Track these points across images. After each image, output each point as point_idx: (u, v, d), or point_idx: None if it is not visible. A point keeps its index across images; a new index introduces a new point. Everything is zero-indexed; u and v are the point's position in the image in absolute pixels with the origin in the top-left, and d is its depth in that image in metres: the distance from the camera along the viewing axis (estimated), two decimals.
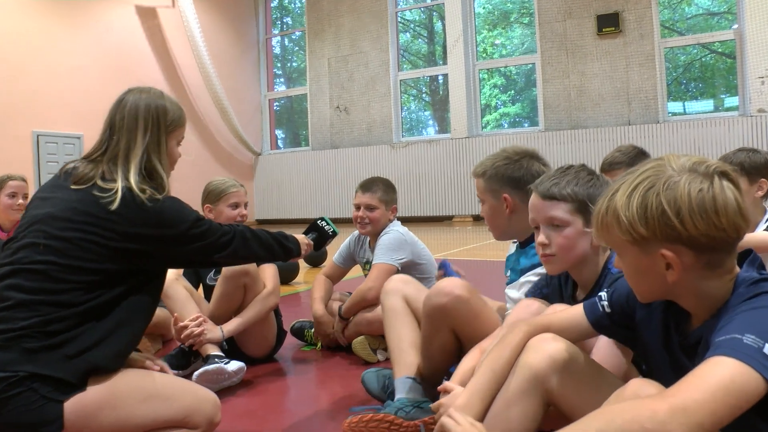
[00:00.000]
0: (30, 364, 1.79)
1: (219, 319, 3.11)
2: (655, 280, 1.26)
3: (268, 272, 3.29)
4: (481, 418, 1.49)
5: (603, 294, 1.56)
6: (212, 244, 2.15)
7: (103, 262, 1.94)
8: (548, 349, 1.46)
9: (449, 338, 2.21)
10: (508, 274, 2.41)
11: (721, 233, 1.18)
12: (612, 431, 1.05)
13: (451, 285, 2.18)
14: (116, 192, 1.98)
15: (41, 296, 1.87)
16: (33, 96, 11.38)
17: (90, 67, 12.10)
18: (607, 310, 1.52)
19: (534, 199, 1.87)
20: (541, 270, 2.16)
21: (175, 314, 2.97)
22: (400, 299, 2.46)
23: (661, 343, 1.40)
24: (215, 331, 3.00)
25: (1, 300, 1.87)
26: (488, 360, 1.57)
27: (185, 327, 2.90)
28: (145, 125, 2.12)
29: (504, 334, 1.65)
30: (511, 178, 2.24)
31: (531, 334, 1.54)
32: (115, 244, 1.95)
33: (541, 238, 1.83)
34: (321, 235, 2.76)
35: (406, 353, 2.33)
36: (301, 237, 2.58)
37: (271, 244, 2.37)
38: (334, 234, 2.78)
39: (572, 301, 1.89)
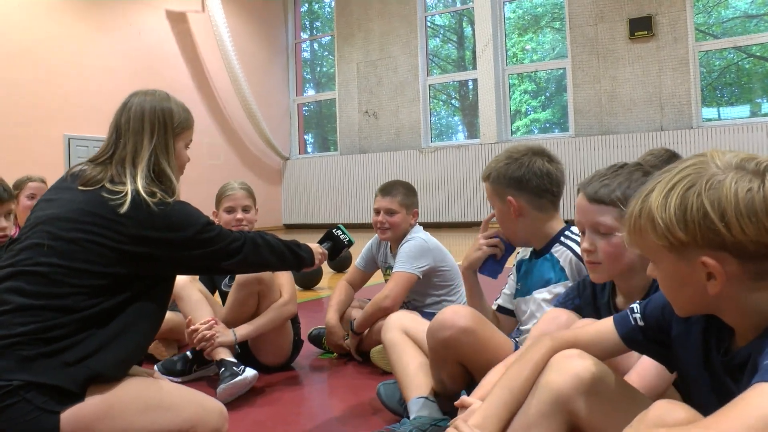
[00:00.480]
0: (25, 372, 1.73)
1: (231, 326, 3.03)
2: (695, 291, 1.11)
3: (284, 279, 3.20)
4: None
5: (636, 306, 1.40)
6: (221, 250, 2.09)
7: (110, 266, 1.88)
8: (573, 367, 1.32)
9: (458, 369, 2.08)
10: (517, 282, 2.29)
11: None
12: None
13: (454, 316, 2.02)
14: (125, 195, 1.94)
15: (42, 301, 1.80)
16: (65, 99, 11.50)
17: (120, 70, 12.19)
18: (640, 323, 1.37)
19: (580, 200, 1.72)
20: (555, 288, 2.04)
21: (189, 317, 2.92)
22: (399, 332, 2.39)
23: (701, 362, 1.24)
24: (227, 335, 2.93)
25: (1, 304, 1.81)
26: (506, 378, 1.43)
27: (196, 330, 2.85)
28: (151, 128, 2.09)
29: (525, 349, 1.51)
30: (513, 179, 2.10)
31: (555, 350, 1.40)
32: (123, 246, 1.90)
33: (585, 244, 1.70)
34: (336, 245, 2.69)
35: (414, 376, 2.22)
36: (315, 246, 2.51)
37: (283, 252, 2.30)
38: (350, 243, 2.70)
39: (609, 309, 1.75)
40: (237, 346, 2.99)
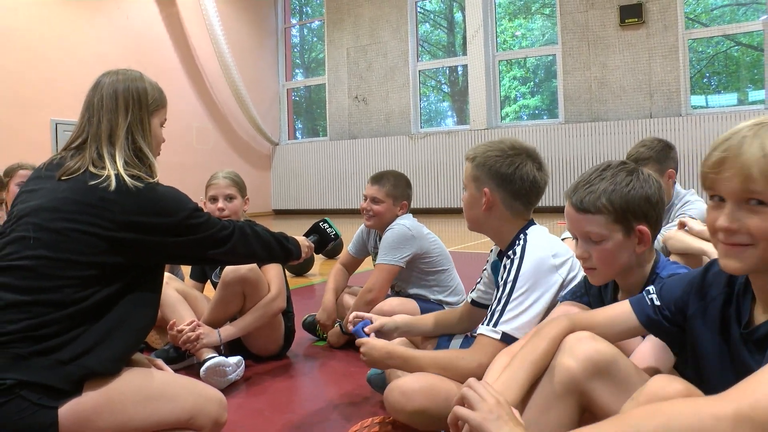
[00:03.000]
0: (17, 371, 1.70)
1: (215, 324, 3.04)
2: None
3: (273, 274, 3.17)
4: (517, 407, 1.38)
5: (650, 288, 1.46)
6: (209, 238, 2.05)
7: (98, 255, 1.84)
8: (586, 350, 1.36)
9: None
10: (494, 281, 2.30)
11: None
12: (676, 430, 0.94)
13: (402, 399, 1.92)
14: (109, 179, 1.89)
15: (32, 296, 1.77)
16: (51, 84, 11.39)
17: (108, 55, 12.08)
18: (657, 302, 1.42)
19: (568, 209, 1.72)
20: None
21: (173, 320, 2.90)
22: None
23: (719, 337, 1.29)
24: (212, 336, 2.94)
25: None
26: (525, 351, 1.47)
27: (181, 331, 2.84)
28: (126, 105, 2.04)
29: (541, 325, 1.54)
30: (498, 173, 2.06)
31: (570, 330, 1.45)
32: (110, 233, 1.85)
33: (579, 251, 1.71)
34: (322, 238, 2.70)
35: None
36: (302, 239, 2.50)
37: (271, 244, 2.29)
38: (336, 237, 2.71)
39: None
40: (222, 347, 3.00)
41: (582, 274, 1.90)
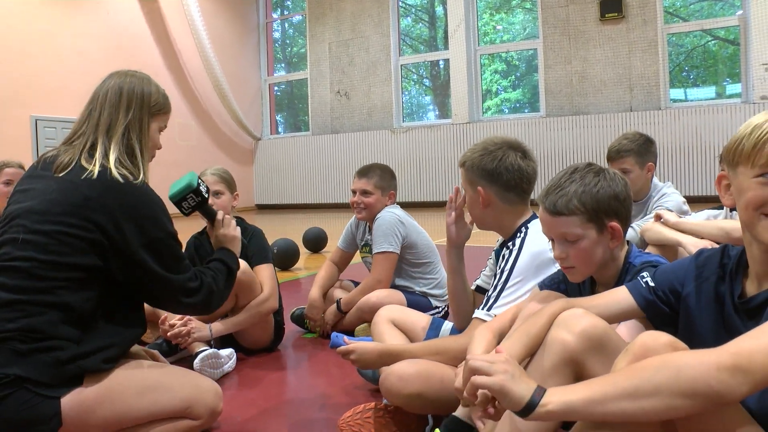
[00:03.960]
0: (18, 366, 1.75)
1: (206, 320, 3.06)
2: None
3: (265, 274, 3.21)
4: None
5: (645, 273, 1.57)
6: (177, 282, 2.03)
7: (78, 256, 1.87)
8: (581, 325, 1.44)
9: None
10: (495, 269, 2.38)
11: None
12: (678, 386, 1.09)
13: (399, 383, 2.01)
14: (94, 172, 1.92)
15: (26, 295, 1.81)
16: (32, 80, 11.30)
17: (89, 51, 12.02)
18: (651, 284, 1.53)
19: (542, 213, 1.82)
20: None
21: (164, 315, 2.93)
22: (388, 324, 2.51)
23: (713, 312, 1.41)
24: (204, 330, 2.98)
25: None
26: (525, 326, 1.56)
27: (173, 326, 2.88)
28: (128, 103, 2.07)
29: (542, 308, 1.61)
30: (484, 171, 2.15)
31: (566, 309, 1.53)
32: (89, 235, 1.88)
33: (556, 252, 1.79)
34: (205, 208, 2.40)
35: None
36: (229, 234, 2.41)
37: (227, 276, 2.28)
38: (208, 191, 2.42)
39: None
40: (212, 341, 3.04)
41: None
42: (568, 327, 1.45)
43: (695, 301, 1.45)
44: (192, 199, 2.34)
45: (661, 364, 1.14)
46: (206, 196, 2.37)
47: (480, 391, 1.22)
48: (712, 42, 12.76)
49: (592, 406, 1.15)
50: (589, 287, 1.88)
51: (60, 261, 1.85)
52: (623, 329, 1.64)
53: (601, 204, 1.73)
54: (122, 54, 12.24)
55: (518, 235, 2.17)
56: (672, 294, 1.51)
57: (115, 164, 1.96)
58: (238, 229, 2.48)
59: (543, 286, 1.94)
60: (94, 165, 1.95)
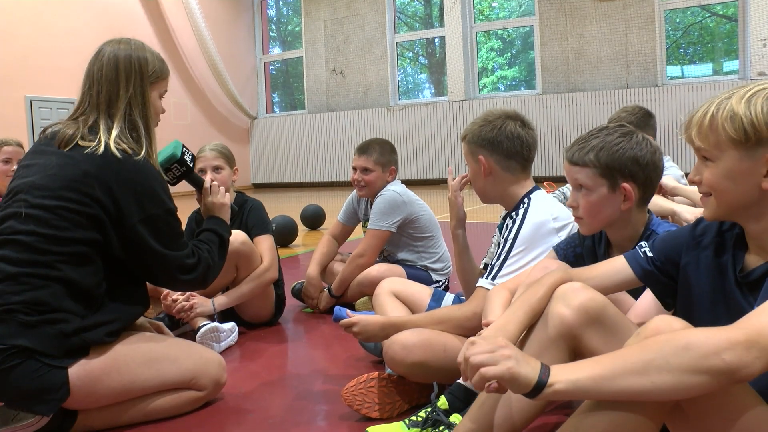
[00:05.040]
0: (25, 337, 1.78)
1: (208, 294, 3.08)
2: (748, 187, 1.27)
3: (265, 246, 3.21)
4: (515, 339, 1.49)
5: (643, 243, 1.58)
6: (175, 259, 2.05)
7: (78, 230, 1.89)
8: (578, 298, 1.45)
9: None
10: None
11: None
12: (689, 361, 1.07)
13: (402, 352, 2.02)
14: (96, 147, 1.93)
15: (30, 269, 1.83)
16: (25, 60, 11.20)
17: (83, 30, 11.89)
18: (650, 254, 1.54)
19: (564, 163, 1.88)
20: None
21: (166, 291, 2.93)
22: (389, 295, 2.53)
23: (713, 282, 1.41)
24: (206, 305, 2.98)
25: None
26: (525, 295, 1.57)
27: (175, 301, 2.89)
28: (126, 76, 2.05)
29: (540, 277, 1.63)
30: (485, 140, 2.20)
31: (566, 280, 1.54)
32: (87, 209, 1.90)
33: (570, 200, 1.85)
34: (188, 169, 2.42)
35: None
36: (217, 203, 2.43)
37: (221, 247, 2.31)
38: (193, 158, 2.48)
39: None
40: (216, 315, 3.05)
41: None
42: (566, 301, 1.47)
43: (694, 270, 1.46)
44: (177, 170, 2.36)
45: (671, 338, 1.12)
46: (191, 165, 2.39)
47: (488, 384, 1.20)
48: (710, 18, 12.70)
49: (601, 383, 1.12)
50: (604, 251, 1.91)
51: (61, 235, 1.87)
52: (639, 310, 1.66)
53: (617, 163, 1.76)
54: (116, 33, 11.58)
55: (521, 205, 2.20)
56: (671, 264, 1.51)
57: (116, 140, 1.97)
58: (227, 195, 2.49)
59: (559, 248, 1.99)
60: (96, 141, 1.95)
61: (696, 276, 1.45)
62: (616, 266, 1.58)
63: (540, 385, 1.16)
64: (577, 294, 1.46)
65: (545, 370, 1.17)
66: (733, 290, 1.36)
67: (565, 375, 1.16)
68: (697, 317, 1.42)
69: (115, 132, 1.99)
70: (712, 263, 1.42)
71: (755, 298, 1.28)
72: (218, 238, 2.31)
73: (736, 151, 1.26)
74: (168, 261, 2.05)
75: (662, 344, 1.11)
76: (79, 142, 1.95)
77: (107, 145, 1.95)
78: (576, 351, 1.48)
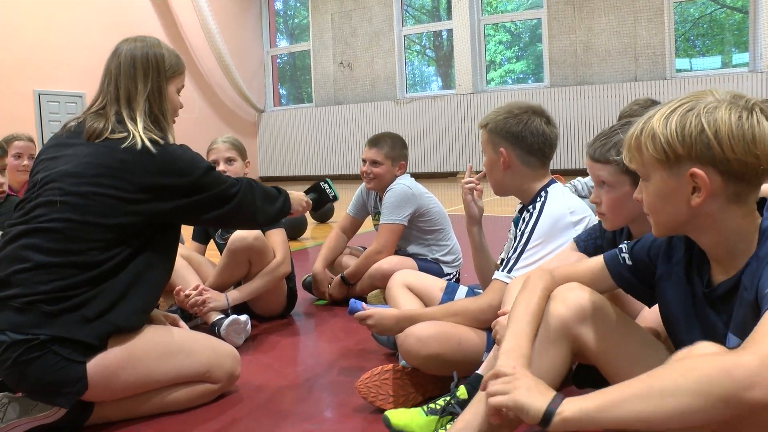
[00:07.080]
0: (48, 327, 1.79)
1: (221, 289, 3.08)
2: (678, 205, 1.26)
3: (278, 240, 3.21)
4: (529, 357, 1.45)
5: (624, 246, 1.54)
6: (222, 194, 2.12)
7: (117, 216, 1.92)
8: (576, 298, 1.46)
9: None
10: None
11: (754, 161, 1.18)
12: (696, 380, 1.01)
13: (417, 344, 2.02)
14: (132, 139, 1.97)
15: (61, 258, 1.85)
16: (33, 54, 11.23)
17: (91, 24, 11.92)
18: (628, 262, 1.51)
19: (586, 158, 1.88)
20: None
21: (178, 287, 2.92)
22: (402, 288, 2.52)
23: (685, 296, 1.39)
24: (220, 300, 2.96)
25: (19, 260, 1.85)
26: (520, 306, 1.52)
27: (188, 296, 2.89)
28: (144, 72, 2.09)
29: (527, 281, 1.61)
30: (510, 133, 2.19)
31: (555, 283, 1.54)
32: (128, 195, 1.94)
33: (593, 195, 1.86)
34: (321, 197, 2.75)
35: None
36: (300, 195, 2.56)
37: (273, 196, 2.36)
38: (335, 198, 2.77)
39: None
40: (229, 310, 3.04)
41: None
42: (563, 301, 1.47)
43: (668, 284, 1.44)
44: (319, 200, 2.75)
45: (676, 362, 1.09)
46: (330, 197, 2.79)
47: (503, 410, 1.21)
48: (720, 10, 12.63)
49: (607, 410, 1.08)
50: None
51: (95, 221, 1.90)
52: (648, 314, 1.66)
53: None
54: (123, 27, 12.04)
55: (538, 199, 2.20)
56: (648, 272, 1.50)
57: (144, 131, 2.01)
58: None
59: (579, 240, 1.99)
60: (127, 132, 1.99)
61: (669, 290, 1.44)
62: (597, 269, 1.57)
63: (548, 415, 1.14)
64: (573, 293, 1.47)
65: (557, 399, 1.15)
66: (703, 305, 1.35)
67: (573, 404, 1.13)
68: (673, 329, 1.44)
69: (141, 124, 2.02)
70: (684, 277, 1.41)
71: (727, 313, 1.27)
72: (276, 191, 2.39)
73: (662, 171, 1.26)
74: (217, 201, 2.12)
75: (669, 367, 1.08)
76: (109, 136, 1.98)
77: (139, 137, 1.99)
78: (576, 350, 1.48)
